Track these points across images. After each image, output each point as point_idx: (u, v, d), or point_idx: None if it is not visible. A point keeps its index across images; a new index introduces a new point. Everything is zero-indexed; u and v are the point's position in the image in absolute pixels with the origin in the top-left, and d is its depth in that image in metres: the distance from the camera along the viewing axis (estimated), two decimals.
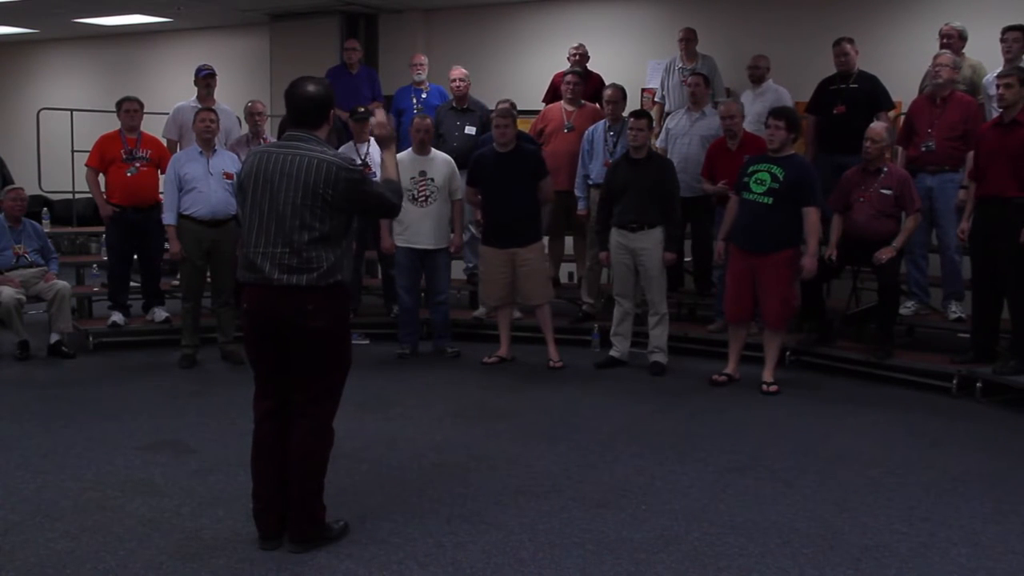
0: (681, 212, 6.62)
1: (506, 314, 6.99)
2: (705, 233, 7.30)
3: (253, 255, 3.52)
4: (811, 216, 5.95)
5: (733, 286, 6.21)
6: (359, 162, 6.97)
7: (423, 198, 6.78)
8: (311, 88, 3.57)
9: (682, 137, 7.25)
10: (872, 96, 6.97)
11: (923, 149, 6.49)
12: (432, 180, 6.79)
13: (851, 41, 7.07)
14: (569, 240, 8.04)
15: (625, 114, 7.02)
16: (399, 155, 7.00)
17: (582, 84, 7.68)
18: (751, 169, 6.08)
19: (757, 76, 7.54)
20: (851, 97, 6.99)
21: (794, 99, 7.73)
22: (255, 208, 3.52)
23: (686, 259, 7.63)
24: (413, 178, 6.74)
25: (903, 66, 7.19)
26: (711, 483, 4.43)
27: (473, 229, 7.89)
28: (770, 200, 5.94)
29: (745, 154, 6.42)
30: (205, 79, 7.67)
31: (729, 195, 6.42)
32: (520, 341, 7.10)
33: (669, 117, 7.63)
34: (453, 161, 6.98)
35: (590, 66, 8.19)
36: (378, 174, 6.97)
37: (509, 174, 6.61)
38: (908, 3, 8.26)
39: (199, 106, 7.29)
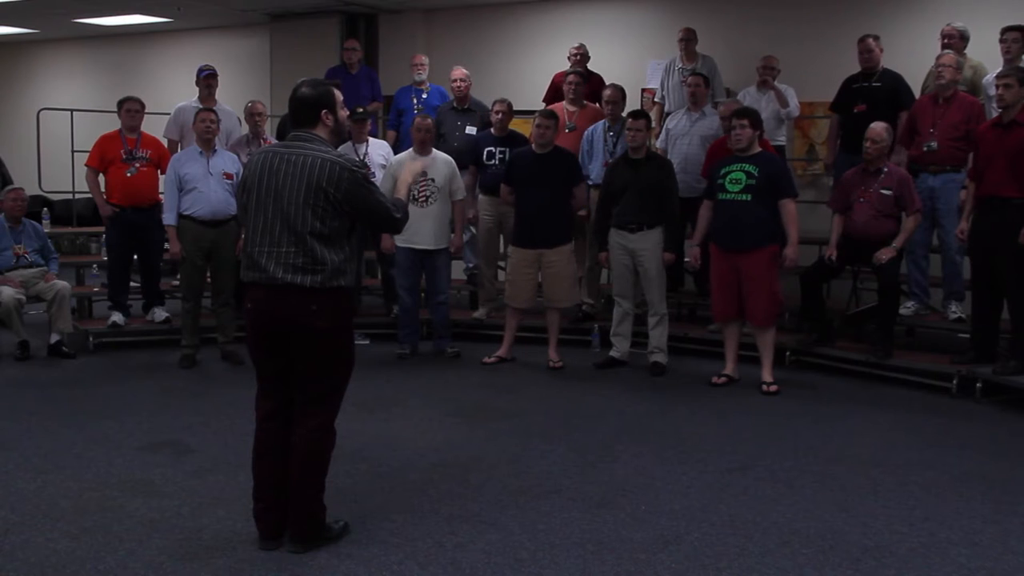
0: (680, 212, 6.62)
1: (515, 316, 6.97)
2: None
3: (257, 254, 3.53)
4: (789, 206, 6.04)
5: (718, 286, 6.24)
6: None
7: (423, 198, 6.78)
8: (302, 89, 3.62)
9: (682, 137, 7.25)
10: (894, 95, 6.94)
11: (925, 149, 6.49)
12: (433, 180, 6.79)
13: (876, 38, 7.04)
14: None
15: (624, 114, 7.02)
16: (399, 155, 7.02)
17: (584, 84, 7.68)
18: (723, 171, 6.14)
19: (775, 77, 7.49)
20: (873, 96, 6.97)
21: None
22: (260, 207, 3.53)
23: (686, 259, 7.63)
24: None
25: (904, 66, 7.17)
26: (711, 483, 4.43)
27: (473, 229, 7.89)
28: (749, 197, 5.98)
29: None
30: (206, 79, 7.67)
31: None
32: (520, 341, 7.10)
33: (669, 117, 7.62)
34: (454, 161, 6.98)
35: (590, 66, 8.19)
36: (377, 174, 7.02)
37: (544, 175, 6.61)
38: (909, 3, 8.26)
39: (200, 106, 7.30)
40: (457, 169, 6.96)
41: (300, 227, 3.46)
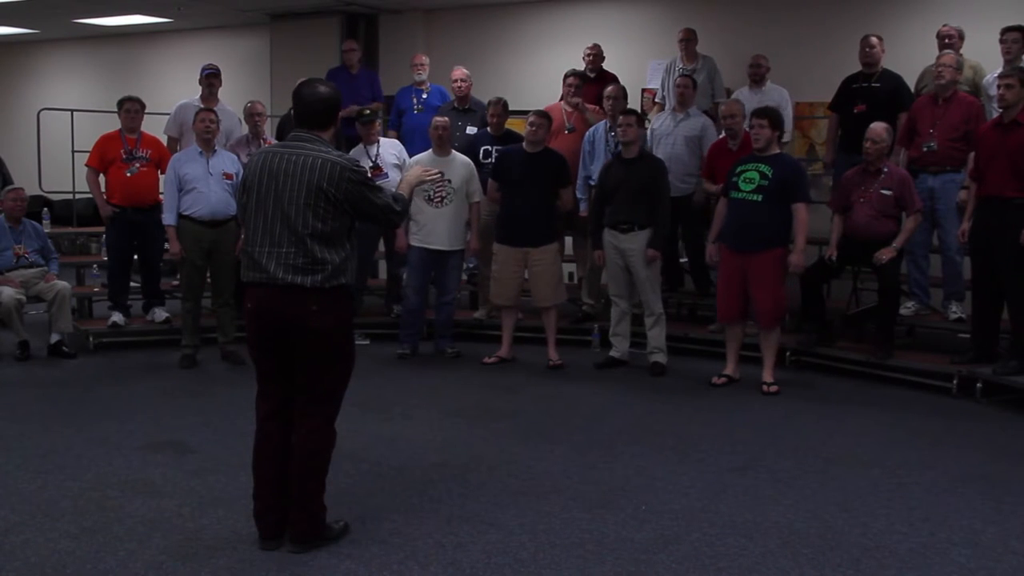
0: (671, 212, 6.62)
1: (511, 315, 6.98)
2: (695, 232, 7.32)
3: (258, 254, 3.53)
4: (800, 212, 6.00)
5: (724, 286, 6.23)
6: (370, 164, 6.96)
7: (439, 199, 6.77)
8: (323, 89, 3.61)
9: (666, 137, 7.25)
10: (894, 95, 6.93)
11: (924, 149, 6.49)
12: (449, 181, 6.77)
13: (880, 38, 7.04)
14: (569, 240, 8.03)
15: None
16: (419, 155, 7.00)
17: (583, 85, 7.65)
18: (739, 169, 6.12)
19: (759, 75, 7.56)
20: (873, 96, 6.96)
21: (793, 100, 7.75)
22: (260, 208, 3.53)
23: (682, 259, 7.64)
24: None
25: (903, 67, 7.18)
26: (711, 483, 4.43)
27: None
28: (760, 197, 5.96)
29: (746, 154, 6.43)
30: (208, 78, 7.67)
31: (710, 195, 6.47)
32: (520, 342, 7.10)
33: (654, 118, 7.62)
34: (472, 163, 6.96)
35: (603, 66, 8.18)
36: (389, 175, 7.01)
37: (533, 174, 6.61)
38: (908, 4, 8.26)
39: (202, 105, 7.31)
40: (475, 171, 6.94)
41: (301, 228, 3.46)
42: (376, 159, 7.07)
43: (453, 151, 6.93)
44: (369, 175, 3.61)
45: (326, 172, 3.45)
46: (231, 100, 8.27)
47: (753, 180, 6.00)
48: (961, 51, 6.82)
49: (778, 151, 6.11)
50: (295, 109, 3.63)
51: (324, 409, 3.63)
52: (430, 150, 6.90)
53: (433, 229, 6.81)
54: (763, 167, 6.00)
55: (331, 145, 3.61)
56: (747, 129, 6.34)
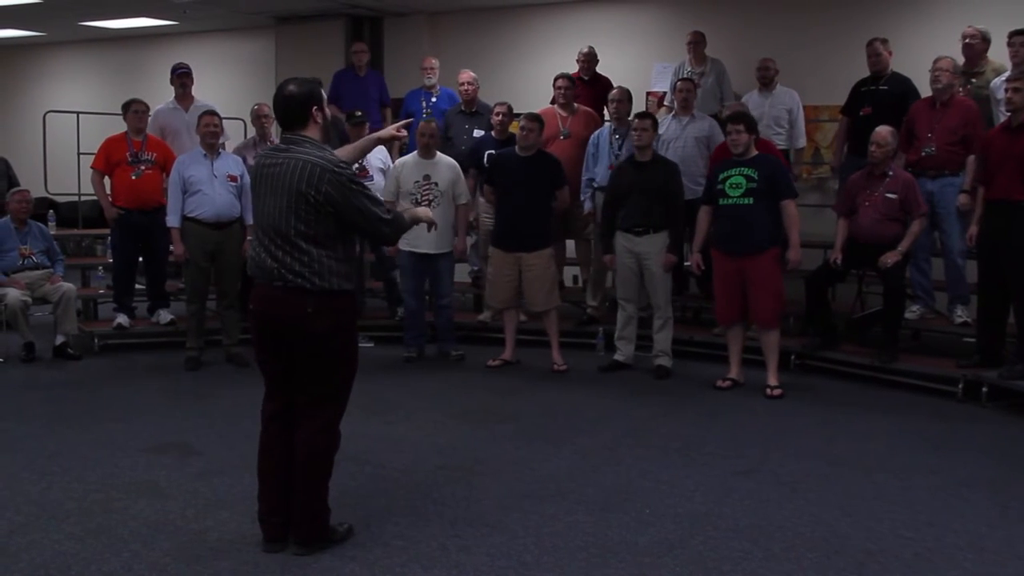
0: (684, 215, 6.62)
1: (512, 317, 6.98)
2: None
3: (258, 257, 3.56)
4: (790, 208, 6.04)
5: (722, 289, 6.24)
6: (356, 166, 6.96)
7: (426, 202, 6.77)
8: (290, 87, 3.59)
9: (676, 141, 7.24)
10: (901, 98, 6.91)
11: (923, 153, 6.48)
12: (436, 184, 6.78)
13: (884, 41, 7.05)
14: (571, 244, 8.02)
15: (631, 117, 6.99)
16: (404, 157, 7.00)
17: (574, 88, 7.62)
18: (722, 176, 6.15)
19: (768, 79, 7.56)
20: (879, 99, 6.97)
21: (802, 103, 7.74)
22: (258, 211, 3.59)
23: (686, 263, 7.62)
24: (417, 181, 6.73)
25: (911, 71, 7.16)
26: (715, 487, 4.42)
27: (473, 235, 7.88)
28: (751, 200, 5.99)
29: None
30: (180, 78, 7.72)
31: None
32: (524, 344, 7.10)
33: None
34: (458, 165, 6.96)
35: (599, 70, 8.16)
36: (375, 178, 7.02)
37: (527, 178, 6.61)
38: (916, 7, 8.25)
39: (177, 107, 7.39)
40: (461, 173, 6.94)
41: (286, 230, 3.47)
42: (363, 161, 7.07)
43: (438, 153, 6.91)
44: (354, 174, 3.54)
45: (305, 174, 3.42)
46: (236, 102, 8.30)
47: (740, 184, 6.03)
48: (987, 53, 6.79)
49: (756, 153, 6.14)
50: (275, 116, 3.64)
51: (326, 411, 3.62)
52: (415, 152, 6.89)
53: (420, 232, 6.74)
54: (747, 170, 6.03)
55: (323, 144, 3.57)
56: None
